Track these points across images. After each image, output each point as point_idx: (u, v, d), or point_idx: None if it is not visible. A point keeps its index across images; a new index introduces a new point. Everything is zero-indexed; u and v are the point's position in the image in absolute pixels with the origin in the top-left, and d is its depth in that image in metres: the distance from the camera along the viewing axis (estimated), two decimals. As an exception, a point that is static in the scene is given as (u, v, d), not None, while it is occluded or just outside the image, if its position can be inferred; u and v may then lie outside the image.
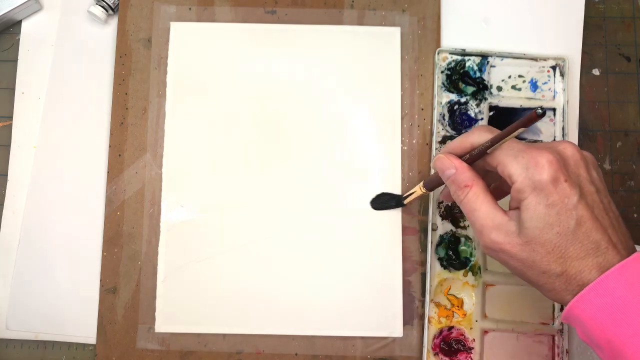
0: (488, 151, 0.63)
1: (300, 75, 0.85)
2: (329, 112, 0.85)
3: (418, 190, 0.77)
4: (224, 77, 0.85)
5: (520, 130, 0.59)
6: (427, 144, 0.84)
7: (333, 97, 0.85)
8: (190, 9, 0.86)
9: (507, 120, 0.84)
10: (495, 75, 0.85)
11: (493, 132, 0.63)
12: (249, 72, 0.85)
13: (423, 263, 0.82)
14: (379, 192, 0.83)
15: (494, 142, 0.62)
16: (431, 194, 0.82)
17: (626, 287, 0.56)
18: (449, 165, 0.65)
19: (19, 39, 0.88)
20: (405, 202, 0.81)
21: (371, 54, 0.86)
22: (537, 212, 0.59)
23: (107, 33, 0.87)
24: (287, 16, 0.86)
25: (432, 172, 0.78)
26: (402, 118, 0.84)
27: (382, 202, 0.83)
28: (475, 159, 0.65)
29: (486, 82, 0.85)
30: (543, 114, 0.55)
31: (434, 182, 0.73)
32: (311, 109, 0.84)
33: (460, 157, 0.66)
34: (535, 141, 0.84)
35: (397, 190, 0.83)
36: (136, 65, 0.85)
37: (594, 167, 0.63)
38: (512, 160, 0.61)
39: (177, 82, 0.85)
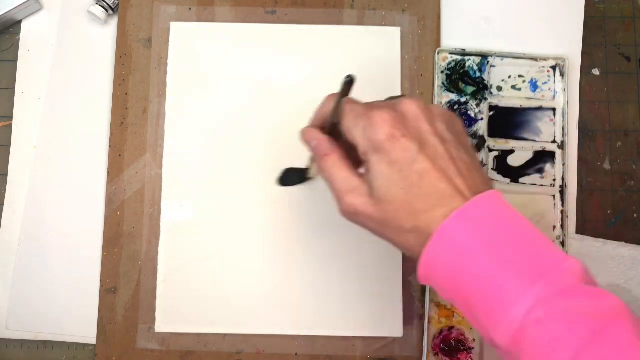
0: (336, 120, 0.64)
1: (300, 75, 0.85)
2: (328, 112, 0.84)
3: (315, 170, 0.76)
4: (224, 77, 0.85)
5: (347, 98, 0.62)
6: (427, 144, 0.84)
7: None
8: (190, 9, 0.86)
9: (507, 120, 0.84)
10: (495, 75, 0.85)
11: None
12: (249, 72, 0.85)
13: (423, 263, 0.82)
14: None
15: (335, 111, 0.63)
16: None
17: (467, 230, 0.56)
18: (312, 137, 0.66)
19: (19, 39, 0.88)
20: (311, 174, 0.80)
21: (371, 53, 0.86)
22: (380, 171, 0.59)
23: (107, 33, 0.87)
24: (287, 16, 0.86)
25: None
26: (403, 118, 0.84)
27: (288, 178, 0.83)
28: (329, 129, 0.65)
29: (486, 82, 0.85)
30: (351, 81, 0.59)
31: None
32: (312, 109, 0.84)
33: (321, 129, 0.66)
34: (535, 141, 0.84)
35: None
36: (136, 65, 0.85)
37: (441, 119, 0.62)
38: (353, 125, 0.61)
39: (177, 82, 0.85)
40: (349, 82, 0.60)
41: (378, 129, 0.59)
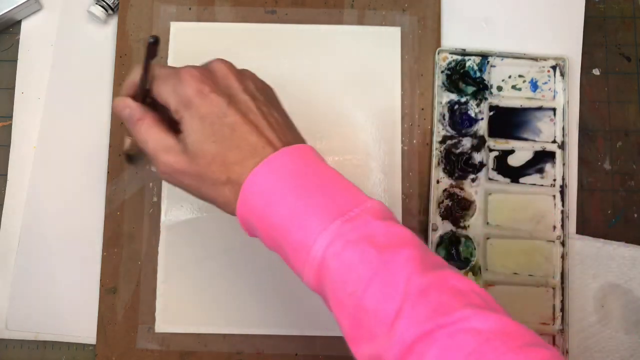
0: (147, 86, 0.64)
1: (300, 75, 0.85)
2: (329, 111, 0.85)
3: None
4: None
5: (151, 61, 0.62)
6: (427, 143, 0.84)
7: (333, 96, 0.85)
8: (190, 8, 0.86)
9: (507, 120, 0.84)
10: (495, 75, 0.85)
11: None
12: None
13: (423, 263, 0.82)
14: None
15: (144, 76, 0.63)
16: (431, 195, 0.82)
17: (276, 176, 0.58)
18: (124, 105, 0.65)
19: (19, 39, 0.88)
20: (125, 148, 0.76)
21: (371, 53, 0.86)
22: (192, 127, 0.60)
23: (107, 33, 0.87)
24: (287, 16, 0.86)
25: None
26: (402, 118, 0.84)
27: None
28: (141, 95, 0.65)
29: (486, 82, 0.85)
30: (155, 41, 0.59)
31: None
32: (311, 109, 0.84)
33: (133, 97, 0.66)
34: (535, 141, 0.84)
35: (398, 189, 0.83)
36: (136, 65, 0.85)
37: (251, 80, 0.65)
38: (163, 87, 0.62)
39: (177, 81, 0.85)
40: (154, 43, 0.60)
41: (187, 85, 0.60)
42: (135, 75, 0.65)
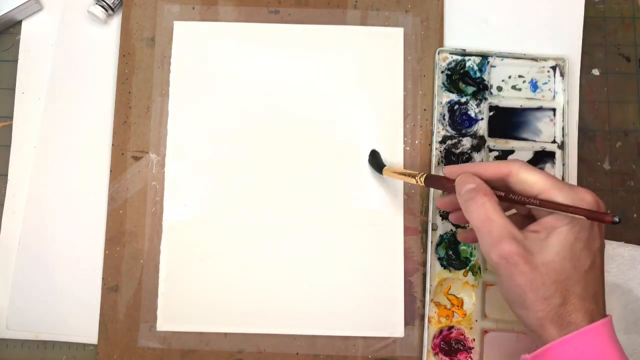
0: (531, 206, 0.62)
1: (303, 75, 0.86)
2: (331, 111, 0.85)
3: (413, 180, 0.73)
4: (227, 76, 0.85)
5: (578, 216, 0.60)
6: (429, 144, 0.84)
7: (335, 96, 0.85)
8: (193, 8, 0.86)
9: (507, 120, 0.85)
10: (495, 75, 0.86)
11: (538, 180, 0.62)
12: (252, 72, 0.86)
13: (425, 263, 0.82)
14: (378, 173, 0.83)
15: (545, 206, 0.61)
16: (431, 195, 0.83)
17: (600, 346, 0.59)
18: (470, 181, 0.64)
19: (19, 39, 0.88)
20: (384, 174, 0.80)
21: (374, 54, 0.86)
22: (566, 240, 0.59)
23: (107, 33, 0.87)
24: (290, 16, 0.87)
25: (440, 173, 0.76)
26: (405, 118, 0.85)
27: (374, 162, 0.83)
28: (509, 202, 0.63)
29: (486, 82, 0.85)
30: (619, 222, 0.58)
31: (436, 185, 0.71)
32: (314, 109, 0.84)
33: (489, 183, 0.64)
34: (535, 141, 0.84)
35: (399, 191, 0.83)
36: (139, 64, 0.85)
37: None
38: (557, 192, 0.60)
39: (180, 81, 0.85)
40: (618, 222, 0.60)
41: (589, 206, 0.60)
42: (519, 177, 0.63)
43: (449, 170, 0.67)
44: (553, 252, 0.59)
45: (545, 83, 0.85)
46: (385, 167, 0.80)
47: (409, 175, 0.74)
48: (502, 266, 0.60)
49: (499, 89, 0.86)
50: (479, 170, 0.65)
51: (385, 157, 0.83)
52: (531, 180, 0.62)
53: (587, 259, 0.60)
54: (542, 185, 0.61)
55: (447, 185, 0.67)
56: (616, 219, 0.57)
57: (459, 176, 0.65)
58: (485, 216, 0.61)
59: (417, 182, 0.72)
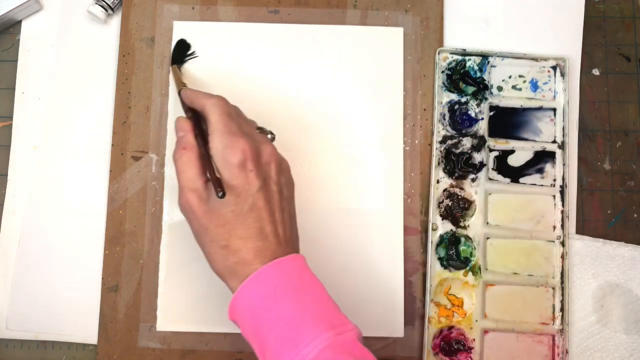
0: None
1: (302, 75, 0.86)
2: (331, 111, 0.85)
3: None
4: (227, 76, 0.85)
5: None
6: (429, 144, 0.84)
7: (335, 96, 0.85)
8: (193, 8, 0.86)
9: (507, 120, 0.85)
10: (495, 75, 0.86)
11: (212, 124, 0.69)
12: (251, 71, 0.86)
13: (425, 263, 0.82)
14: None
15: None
16: (431, 195, 0.83)
17: (281, 276, 0.64)
18: (182, 127, 0.71)
19: (19, 39, 0.88)
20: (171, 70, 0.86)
21: (374, 54, 0.86)
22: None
23: (107, 33, 0.87)
24: (290, 16, 0.87)
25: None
26: (405, 118, 0.85)
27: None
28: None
29: (487, 82, 0.85)
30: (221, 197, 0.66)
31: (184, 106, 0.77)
32: (314, 109, 0.84)
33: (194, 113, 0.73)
34: (536, 141, 0.84)
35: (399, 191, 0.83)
36: (139, 64, 0.85)
37: (285, 174, 0.71)
38: (218, 137, 0.67)
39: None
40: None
41: (235, 153, 0.66)
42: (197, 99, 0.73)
43: (185, 95, 0.76)
44: (214, 199, 0.66)
45: (546, 83, 0.85)
46: (174, 66, 0.85)
47: (178, 80, 0.82)
48: (184, 214, 0.69)
49: (500, 88, 0.85)
50: (194, 101, 0.73)
51: (385, 156, 0.84)
52: (210, 118, 0.69)
53: (244, 203, 0.65)
54: (211, 129, 0.68)
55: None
56: (219, 194, 0.65)
57: (177, 118, 0.73)
58: (179, 169, 0.69)
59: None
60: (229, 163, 0.66)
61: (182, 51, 0.85)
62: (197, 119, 0.72)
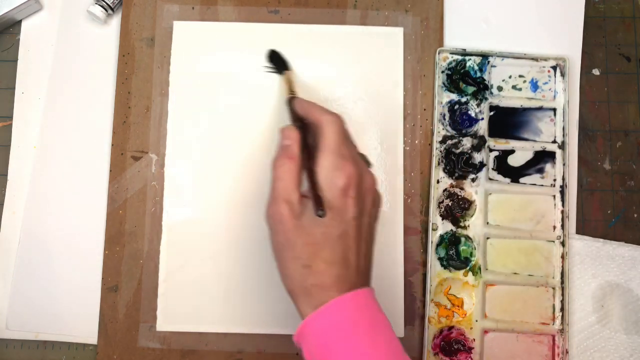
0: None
1: (303, 75, 0.85)
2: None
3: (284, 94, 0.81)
4: (227, 76, 0.85)
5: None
6: (429, 144, 0.84)
7: (335, 96, 0.85)
8: (193, 8, 0.86)
9: (507, 120, 0.85)
10: (495, 75, 0.86)
11: (325, 139, 0.68)
12: (252, 72, 0.85)
13: (425, 263, 0.82)
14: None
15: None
16: (431, 195, 0.83)
17: (357, 310, 0.63)
18: (289, 136, 0.70)
19: (19, 39, 0.88)
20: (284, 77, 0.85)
21: (374, 54, 0.86)
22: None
23: (107, 33, 0.87)
24: (290, 16, 0.87)
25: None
26: (405, 118, 0.85)
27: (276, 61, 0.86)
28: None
29: (487, 82, 0.85)
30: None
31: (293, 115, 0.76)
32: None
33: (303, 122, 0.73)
34: (536, 141, 0.84)
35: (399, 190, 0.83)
36: (139, 64, 0.85)
37: (377, 208, 0.71)
38: (328, 156, 0.67)
39: (179, 81, 0.85)
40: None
41: (341, 177, 0.65)
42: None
43: (299, 104, 0.75)
44: (308, 217, 0.66)
45: (546, 83, 0.85)
46: (289, 72, 0.85)
47: (290, 88, 0.81)
48: (271, 222, 0.67)
49: (500, 88, 0.85)
50: (309, 113, 0.72)
51: (385, 156, 0.83)
52: (324, 135, 0.68)
53: (336, 228, 0.65)
54: (322, 146, 0.68)
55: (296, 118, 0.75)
56: (320, 213, 0.65)
57: (285, 126, 0.72)
58: (277, 176, 0.68)
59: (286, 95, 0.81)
60: (334, 185, 0.65)
61: (280, 60, 0.85)
62: (304, 130, 0.72)
